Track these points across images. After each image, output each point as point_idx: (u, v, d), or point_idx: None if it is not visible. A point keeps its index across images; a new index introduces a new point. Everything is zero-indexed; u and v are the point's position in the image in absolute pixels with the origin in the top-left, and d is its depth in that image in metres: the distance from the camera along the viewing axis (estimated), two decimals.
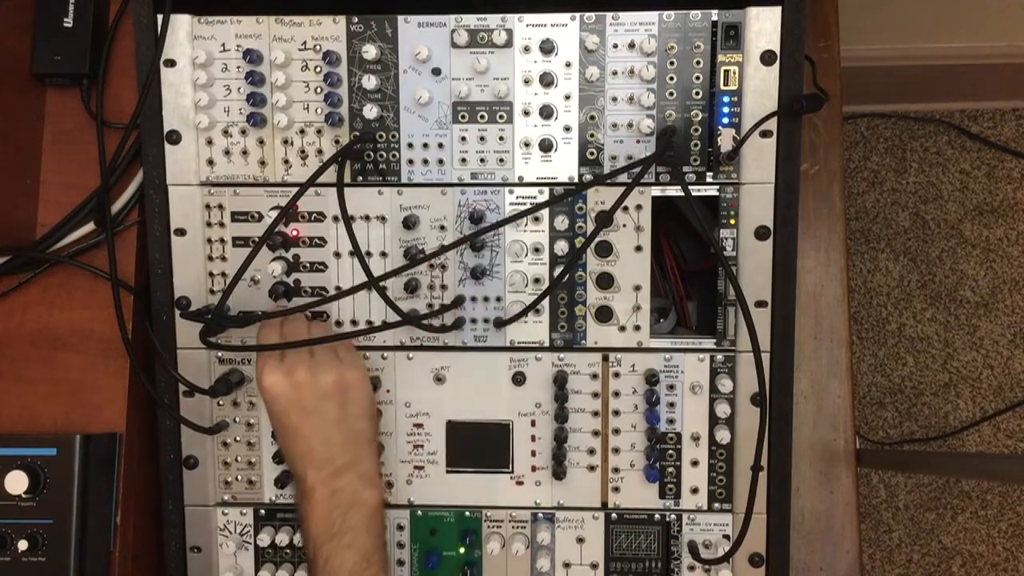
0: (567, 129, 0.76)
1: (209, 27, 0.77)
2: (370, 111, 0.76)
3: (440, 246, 0.76)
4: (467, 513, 0.81)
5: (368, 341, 0.79)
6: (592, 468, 0.80)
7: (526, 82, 0.76)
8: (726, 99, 0.75)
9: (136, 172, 0.80)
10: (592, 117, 0.76)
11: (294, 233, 0.79)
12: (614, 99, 0.76)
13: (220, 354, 0.79)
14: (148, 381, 0.78)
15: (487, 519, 0.81)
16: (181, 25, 0.76)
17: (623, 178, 0.75)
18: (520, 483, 0.80)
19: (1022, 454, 1.83)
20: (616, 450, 0.79)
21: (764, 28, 0.74)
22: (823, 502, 0.88)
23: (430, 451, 0.80)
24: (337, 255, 0.79)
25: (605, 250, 0.77)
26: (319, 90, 0.77)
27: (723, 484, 0.79)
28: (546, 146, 0.77)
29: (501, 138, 0.77)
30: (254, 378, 0.79)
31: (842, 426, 0.89)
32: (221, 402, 0.80)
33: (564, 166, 0.77)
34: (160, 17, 0.76)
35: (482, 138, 0.77)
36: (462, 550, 0.81)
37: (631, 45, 0.75)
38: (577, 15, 0.75)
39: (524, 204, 0.77)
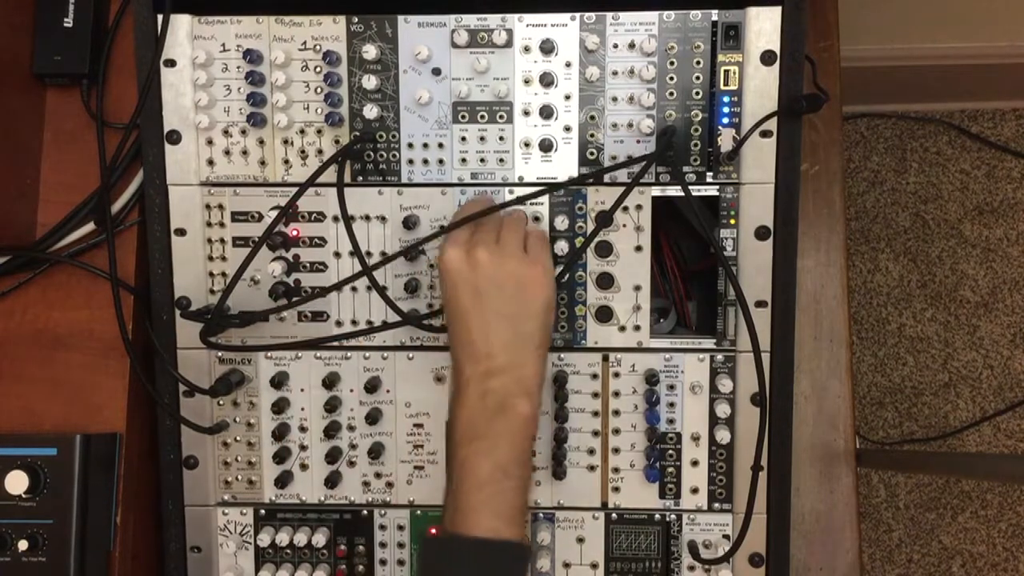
0: (567, 129, 0.76)
1: (209, 27, 0.77)
2: (370, 111, 0.76)
3: (439, 229, 0.76)
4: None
5: (368, 341, 0.79)
6: (592, 468, 0.80)
7: (526, 82, 0.76)
8: (726, 99, 0.75)
9: (136, 172, 0.80)
10: (592, 117, 0.76)
11: (294, 233, 0.79)
12: (614, 99, 0.76)
13: (220, 354, 0.79)
14: (148, 381, 0.78)
15: None
16: (181, 25, 0.76)
17: (623, 178, 0.75)
18: None
19: (1022, 454, 1.83)
20: (616, 450, 0.79)
21: (764, 28, 0.74)
22: (823, 502, 0.88)
23: (430, 451, 0.80)
24: (337, 255, 0.79)
25: (605, 250, 0.77)
26: (319, 90, 0.77)
27: (723, 484, 0.79)
28: (546, 146, 0.77)
29: (501, 138, 0.77)
30: (257, 377, 0.79)
31: (842, 426, 0.88)
32: (221, 402, 0.80)
33: (564, 166, 0.77)
34: (160, 17, 0.76)
35: (482, 138, 0.77)
36: None
37: (631, 45, 0.75)
38: (577, 15, 0.75)
39: (524, 205, 0.77)
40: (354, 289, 0.79)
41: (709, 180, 0.76)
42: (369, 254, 0.78)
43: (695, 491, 0.79)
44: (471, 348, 0.67)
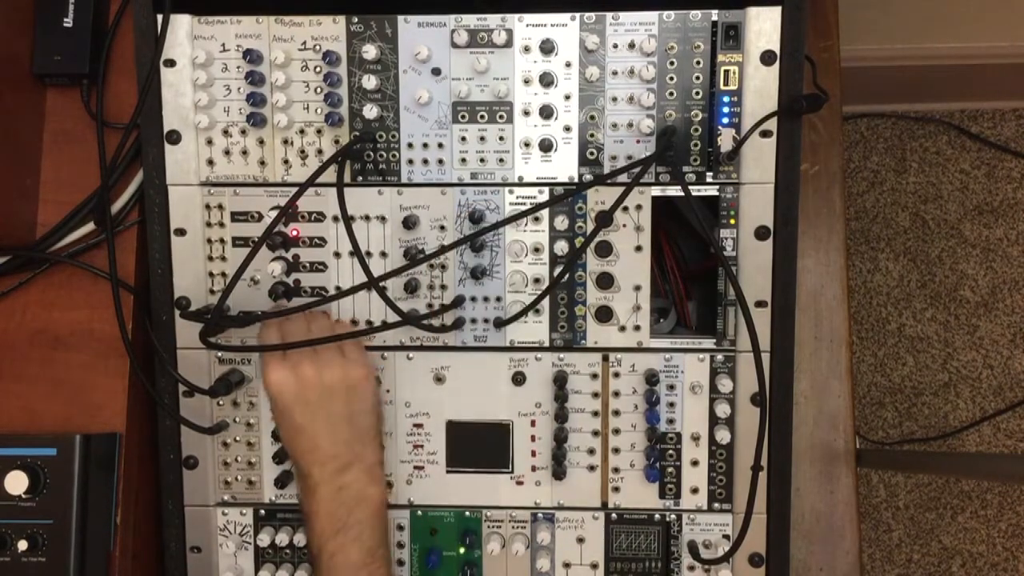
0: (567, 129, 0.76)
1: (209, 27, 0.77)
2: (370, 111, 0.76)
3: (440, 246, 0.76)
4: (467, 513, 0.81)
5: (368, 341, 0.79)
6: (592, 468, 0.80)
7: (526, 82, 0.76)
8: (726, 99, 0.75)
9: (136, 172, 0.80)
10: (592, 117, 0.76)
11: (294, 233, 0.79)
12: (614, 99, 0.76)
13: (220, 354, 0.79)
14: (148, 381, 0.78)
15: (487, 519, 0.81)
16: (181, 25, 0.76)
17: (623, 178, 0.75)
18: (520, 483, 0.80)
19: (1022, 454, 1.83)
20: (616, 450, 0.79)
21: (764, 28, 0.74)
22: (823, 502, 0.88)
23: (430, 451, 0.80)
24: (337, 255, 0.79)
25: (605, 250, 0.77)
26: (319, 90, 0.77)
27: (723, 484, 0.79)
28: (546, 146, 0.77)
29: (501, 138, 0.77)
30: (257, 378, 0.79)
31: (842, 426, 0.89)
32: (221, 402, 0.80)
33: (564, 166, 0.77)
34: (160, 17, 0.76)
35: (482, 138, 0.77)
36: (462, 550, 0.81)
37: (631, 45, 0.75)
38: (577, 15, 0.75)
39: (524, 204, 0.77)
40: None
41: (709, 180, 0.76)
42: (369, 254, 0.78)
43: (695, 491, 0.79)
44: (316, 453, 0.71)
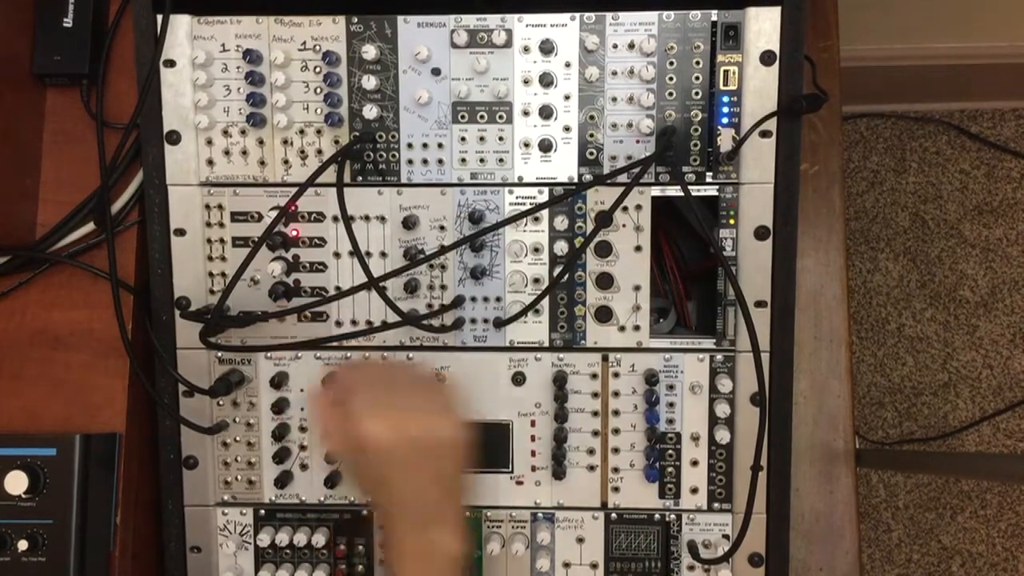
0: (567, 129, 0.76)
1: (209, 27, 0.77)
2: (370, 111, 0.76)
3: (440, 246, 0.76)
4: (466, 513, 0.81)
5: (368, 341, 0.79)
6: (592, 468, 0.80)
7: (526, 82, 0.76)
8: (726, 99, 0.75)
9: (136, 172, 0.80)
10: (592, 117, 0.76)
11: (294, 233, 0.79)
12: (614, 99, 0.76)
13: (220, 354, 0.79)
14: (148, 381, 0.78)
15: (487, 519, 0.81)
16: (181, 25, 0.76)
17: (623, 178, 0.75)
18: (520, 483, 0.80)
19: (1022, 454, 1.83)
20: (616, 450, 0.79)
21: (764, 28, 0.74)
22: (823, 502, 0.88)
23: None
24: (337, 255, 0.79)
25: (605, 250, 0.77)
26: (319, 90, 0.77)
27: (723, 484, 0.79)
28: (546, 146, 0.77)
29: (501, 138, 0.77)
30: (258, 378, 0.79)
31: (842, 426, 0.89)
32: (221, 402, 0.80)
33: (564, 166, 0.77)
34: (160, 17, 0.76)
35: (482, 138, 0.77)
36: None
37: (631, 45, 0.75)
38: (577, 15, 0.75)
39: (524, 204, 0.77)
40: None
41: (709, 180, 0.76)
42: (369, 254, 0.78)
43: (695, 491, 0.79)
44: (404, 511, 0.68)
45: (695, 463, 0.79)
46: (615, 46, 0.75)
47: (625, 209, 0.77)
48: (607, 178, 0.75)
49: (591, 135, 0.76)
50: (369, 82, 0.76)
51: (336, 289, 0.78)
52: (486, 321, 0.78)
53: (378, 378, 0.71)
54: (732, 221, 0.76)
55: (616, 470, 0.80)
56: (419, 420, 0.68)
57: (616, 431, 0.79)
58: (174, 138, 0.78)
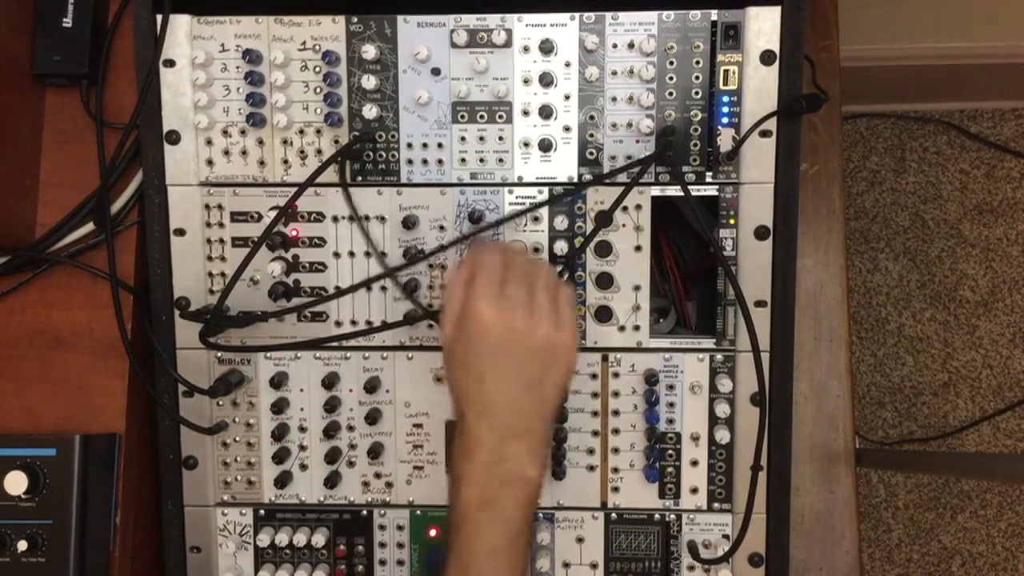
0: (567, 129, 0.76)
1: (208, 27, 0.77)
2: (369, 111, 0.76)
3: (439, 246, 0.76)
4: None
5: (368, 341, 0.79)
6: (592, 468, 0.80)
7: (526, 82, 0.76)
8: (726, 99, 0.75)
9: (136, 172, 0.80)
10: (592, 117, 0.76)
11: (293, 233, 0.79)
12: (614, 99, 0.76)
13: (220, 354, 0.79)
14: (148, 381, 0.78)
15: None
16: (180, 25, 0.76)
17: (622, 178, 0.75)
18: None
19: (1022, 454, 1.83)
20: (616, 450, 0.79)
21: (764, 28, 0.74)
22: (823, 502, 0.88)
23: (430, 451, 0.80)
24: (336, 255, 0.79)
25: (605, 250, 0.77)
26: (318, 90, 0.77)
27: (723, 484, 0.79)
28: (545, 146, 0.77)
29: (500, 138, 0.77)
30: (257, 378, 0.79)
31: (842, 426, 0.89)
32: (221, 402, 0.80)
33: (564, 166, 0.77)
34: (159, 17, 0.76)
35: (481, 138, 0.77)
36: None
37: (631, 45, 0.75)
38: (577, 15, 0.75)
39: (524, 204, 0.77)
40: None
41: (709, 180, 0.76)
42: (368, 254, 0.78)
43: (695, 491, 0.79)
44: (490, 413, 0.64)
45: (695, 463, 0.79)
46: (615, 46, 0.75)
47: (625, 209, 0.77)
48: (606, 177, 0.75)
49: (591, 135, 0.76)
50: (369, 82, 0.76)
51: (336, 289, 0.78)
52: None
53: (512, 267, 0.66)
54: (732, 221, 0.76)
55: (616, 470, 0.80)
56: (536, 319, 0.64)
57: (616, 431, 0.79)
58: (174, 138, 0.78)
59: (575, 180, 0.77)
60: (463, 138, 0.77)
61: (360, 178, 0.78)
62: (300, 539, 0.80)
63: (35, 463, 0.76)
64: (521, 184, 0.77)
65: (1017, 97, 1.84)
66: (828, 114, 0.90)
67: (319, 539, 0.80)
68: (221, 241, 0.79)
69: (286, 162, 0.78)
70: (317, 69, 0.77)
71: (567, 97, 0.76)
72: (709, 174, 0.76)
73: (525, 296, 0.64)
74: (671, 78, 0.76)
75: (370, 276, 0.73)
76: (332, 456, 0.80)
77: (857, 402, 1.82)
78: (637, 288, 0.78)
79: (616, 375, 0.79)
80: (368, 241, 0.73)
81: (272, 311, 0.77)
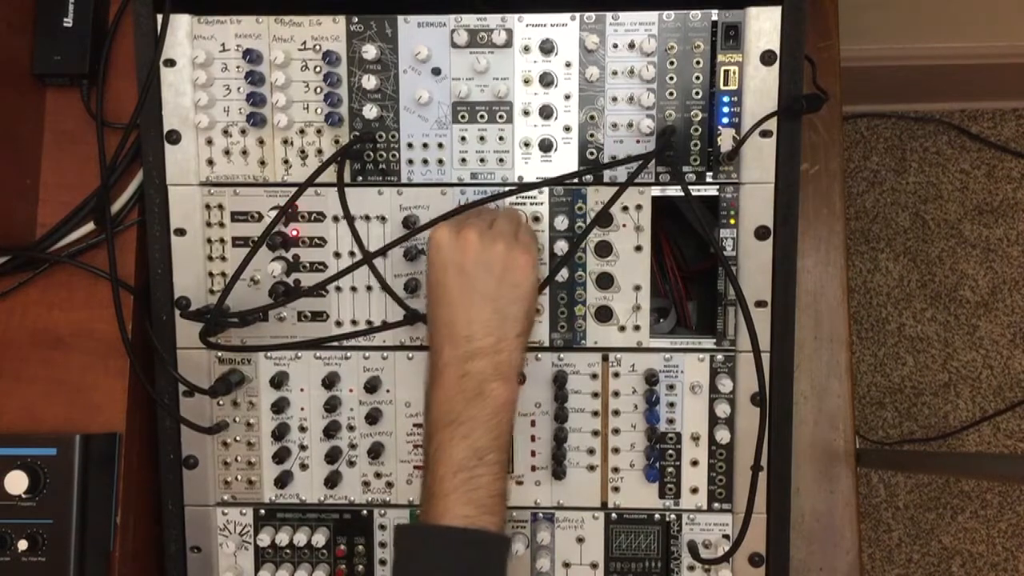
0: (567, 129, 0.76)
1: (209, 27, 0.77)
2: (370, 111, 0.76)
3: (441, 215, 0.76)
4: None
5: (368, 341, 0.79)
6: (592, 468, 0.80)
7: (526, 82, 0.76)
8: (726, 99, 0.75)
9: (136, 172, 0.80)
10: (592, 117, 0.76)
11: (294, 233, 0.79)
12: (614, 99, 0.76)
13: (220, 354, 0.79)
14: (148, 381, 0.78)
15: None
16: (181, 25, 0.76)
17: (623, 177, 0.75)
18: (520, 483, 0.80)
19: (1022, 454, 1.83)
20: (616, 450, 0.79)
21: (764, 28, 0.74)
22: (823, 502, 0.88)
23: None
24: (337, 255, 0.79)
25: (605, 250, 0.77)
26: (319, 90, 0.77)
27: (723, 484, 0.79)
28: (546, 146, 0.77)
29: (501, 138, 0.77)
30: (258, 377, 0.79)
31: (842, 426, 0.89)
32: (221, 402, 0.80)
33: (564, 166, 0.77)
34: (160, 17, 0.76)
35: (482, 138, 0.77)
36: None
37: (631, 45, 0.75)
38: (577, 15, 0.75)
39: (524, 204, 0.77)
40: (354, 289, 0.79)
41: (709, 180, 0.76)
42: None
43: (695, 491, 0.79)
44: (451, 329, 0.66)
45: (695, 463, 0.79)
46: (615, 46, 0.75)
47: (625, 209, 0.77)
48: (604, 168, 0.75)
49: (591, 135, 0.76)
50: (369, 82, 0.76)
51: (336, 289, 0.78)
52: None
53: (481, 210, 0.72)
54: (732, 221, 0.76)
55: (616, 470, 0.80)
56: (488, 236, 0.66)
57: (616, 431, 0.79)
58: (174, 138, 0.78)
59: (575, 180, 0.77)
60: (463, 138, 0.77)
61: (360, 178, 0.78)
62: (300, 539, 0.80)
63: (35, 463, 0.76)
64: (521, 184, 0.77)
65: (1017, 97, 1.84)
66: (828, 114, 0.90)
67: (319, 539, 0.80)
68: (221, 241, 0.79)
69: (286, 162, 0.78)
70: (317, 69, 0.77)
71: (567, 97, 0.76)
72: (709, 174, 0.76)
73: (484, 223, 0.68)
74: (671, 78, 0.76)
75: (371, 265, 0.73)
76: (332, 456, 0.80)
77: (857, 402, 1.82)
78: (637, 288, 0.78)
79: (616, 375, 0.79)
80: (358, 243, 0.73)
81: (272, 310, 0.77)
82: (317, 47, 0.77)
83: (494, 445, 0.65)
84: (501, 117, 0.77)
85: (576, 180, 0.77)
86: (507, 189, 0.76)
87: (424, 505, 0.65)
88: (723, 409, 0.77)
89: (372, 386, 0.79)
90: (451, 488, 0.63)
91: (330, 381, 0.79)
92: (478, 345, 0.66)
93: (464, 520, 0.63)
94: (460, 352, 0.65)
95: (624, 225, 0.77)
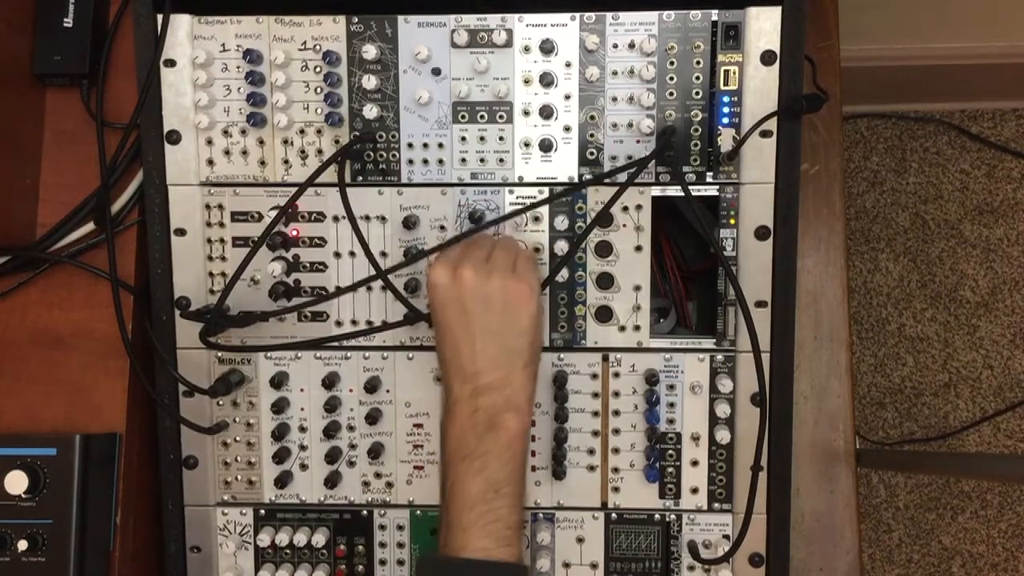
0: (567, 129, 0.76)
1: (209, 27, 0.77)
2: (370, 111, 0.76)
3: (437, 244, 0.76)
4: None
5: (368, 341, 0.79)
6: (592, 468, 0.80)
7: (526, 82, 0.76)
8: (726, 99, 0.75)
9: (136, 172, 0.80)
10: (592, 117, 0.76)
11: (294, 233, 0.79)
12: (614, 99, 0.76)
13: (220, 354, 0.79)
14: (148, 381, 0.78)
15: None
16: (181, 25, 0.76)
17: (621, 177, 0.75)
18: None
19: (1022, 454, 1.83)
20: (616, 450, 0.79)
21: (764, 28, 0.74)
22: (823, 502, 0.88)
23: (430, 451, 0.80)
24: (337, 255, 0.79)
25: (605, 250, 0.77)
26: (319, 90, 0.77)
27: (723, 484, 0.79)
28: (546, 146, 0.77)
29: (501, 138, 0.77)
30: (258, 377, 0.79)
31: (842, 426, 0.89)
32: (221, 402, 0.80)
33: (564, 166, 0.77)
34: (160, 17, 0.76)
35: (482, 138, 0.77)
36: None
37: (631, 45, 0.75)
38: (577, 15, 0.75)
39: (524, 204, 0.77)
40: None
41: (709, 180, 0.76)
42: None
43: (695, 491, 0.79)
44: (458, 366, 0.67)
45: (695, 463, 0.79)
46: (615, 46, 0.75)
47: (625, 209, 0.77)
48: (605, 176, 0.75)
49: (591, 135, 0.76)
50: (369, 82, 0.76)
51: (336, 289, 0.78)
52: None
53: (477, 241, 0.72)
54: (732, 221, 0.76)
55: (616, 470, 0.80)
56: (485, 271, 0.67)
57: (616, 431, 0.79)
58: (174, 138, 0.78)
59: (575, 180, 0.77)
60: (463, 138, 0.77)
61: (361, 178, 0.78)
62: (300, 539, 0.80)
63: (35, 463, 0.76)
64: (522, 184, 0.77)
65: (1017, 97, 1.84)
66: (828, 114, 0.90)
67: (319, 539, 0.80)
68: (221, 241, 0.79)
69: (287, 162, 0.78)
70: (318, 69, 0.77)
71: (567, 97, 0.76)
72: (709, 174, 0.76)
73: (481, 256, 0.68)
74: (671, 78, 0.76)
75: (369, 276, 0.73)
76: (332, 456, 0.80)
77: (857, 402, 1.82)
78: (637, 288, 0.78)
79: (616, 375, 0.79)
80: (363, 244, 0.73)
81: (272, 311, 0.77)
82: (317, 47, 0.77)
83: (510, 477, 0.66)
84: (501, 117, 0.77)
85: (576, 182, 0.77)
86: (508, 213, 0.77)
87: (443, 535, 0.66)
88: (723, 409, 0.77)
89: (372, 386, 0.79)
90: (469, 523, 0.64)
91: (330, 381, 0.79)
92: (486, 381, 0.67)
93: (483, 553, 0.64)
94: (469, 388, 0.66)
95: (624, 225, 0.77)
